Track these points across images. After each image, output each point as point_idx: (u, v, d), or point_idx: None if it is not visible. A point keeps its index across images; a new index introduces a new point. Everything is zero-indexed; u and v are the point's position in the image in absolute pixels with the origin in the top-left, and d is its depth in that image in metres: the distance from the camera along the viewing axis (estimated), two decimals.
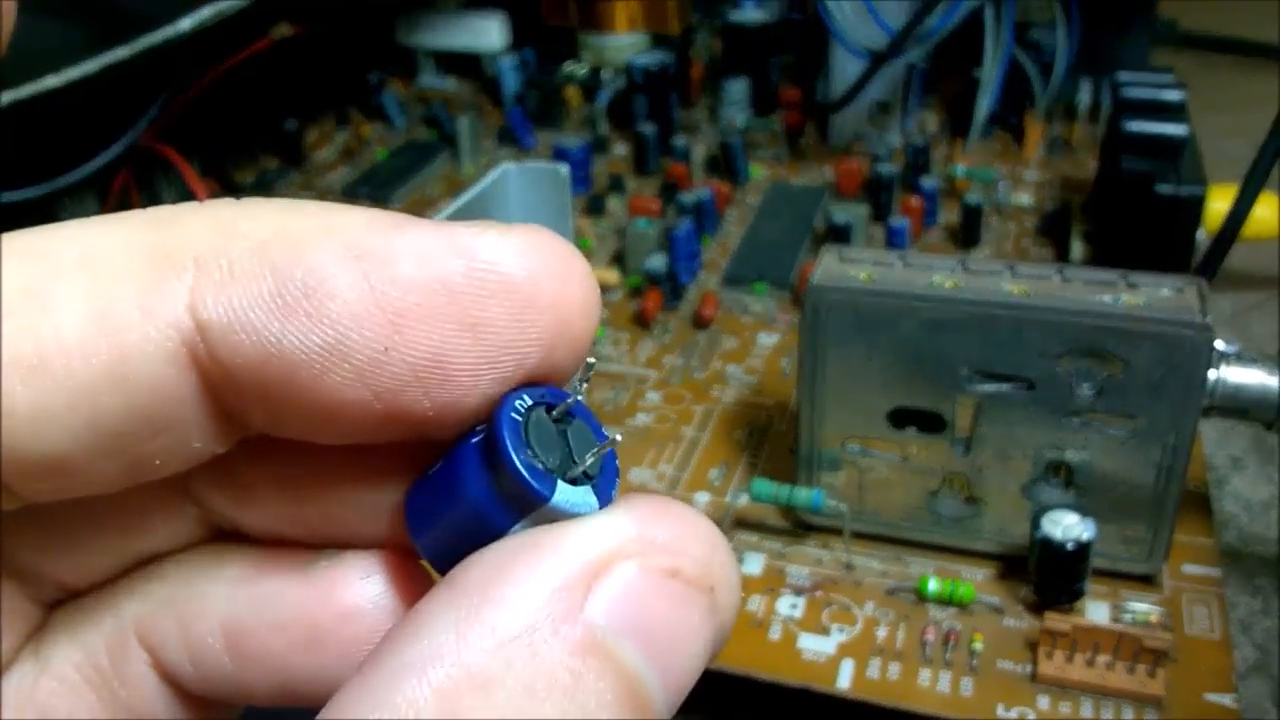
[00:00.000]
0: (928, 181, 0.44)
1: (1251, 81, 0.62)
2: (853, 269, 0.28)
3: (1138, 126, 0.36)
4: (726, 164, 0.49)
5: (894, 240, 0.41)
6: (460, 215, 0.29)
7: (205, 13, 0.35)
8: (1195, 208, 0.35)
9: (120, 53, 0.33)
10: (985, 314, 0.26)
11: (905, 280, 0.27)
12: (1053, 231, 0.43)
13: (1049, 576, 0.27)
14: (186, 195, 0.39)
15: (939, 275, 0.27)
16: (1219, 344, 0.27)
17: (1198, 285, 0.26)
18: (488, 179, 0.30)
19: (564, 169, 0.30)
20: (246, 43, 0.42)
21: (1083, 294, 0.26)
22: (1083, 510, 0.27)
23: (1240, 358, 0.27)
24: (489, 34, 0.57)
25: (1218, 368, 0.27)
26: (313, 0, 0.42)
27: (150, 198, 0.42)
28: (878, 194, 0.44)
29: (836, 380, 0.28)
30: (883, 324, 0.27)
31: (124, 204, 0.41)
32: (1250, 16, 0.66)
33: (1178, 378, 0.25)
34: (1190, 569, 0.29)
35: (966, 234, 0.43)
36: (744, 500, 0.30)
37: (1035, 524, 0.27)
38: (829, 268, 0.28)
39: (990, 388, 0.27)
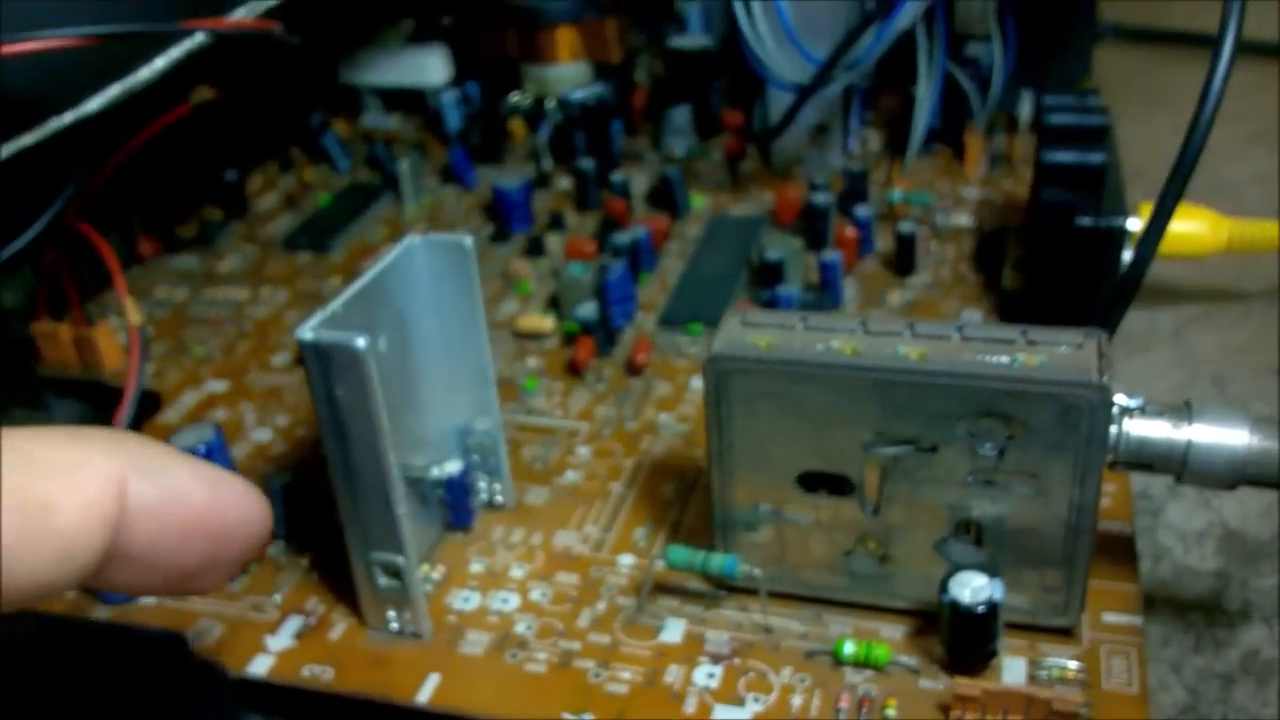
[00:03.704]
0: (862, 210, 0.44)
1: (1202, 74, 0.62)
2: (753, 334, 0.27)
3: (1056, 156, 0.35)
4: (666, 197, 0.49)
5: (827, 274, 0.41)
6: (366, 291, 0.28)
7: (113, 91, 0.35)
8: (1117, 238, 0.35)
9: (26, 140, 0.33)
10: (882, 380, 0.26)
11: (805, 345, 0.27)
12: (988, 256, 0.43)
13: (960, 640, 0.27)
14: (107, 271, 0.39)
15: (838, 339, 0.27)
16: (1121, 398, 0.27)
17: (1098, 340, 0.26)
18: (393, 253, 0.30)
19: (468, 241, 0.30)
20: (169, 106, 0.42)
21: (980, 354, 0.26)
22: (995, 567, 0.27)
23: (1144, 411, 0.27)
24: (430, 69, 0.57)
25: (1120, 423, 0.26)
26: (233, 60, 0.41)
27: (78, 273, 0.42)
28: (813, 224, 0.44)
29: (744, 446, 0.28)
30: (784, 391, 0.27)
31: (55, 278, 0.41)
32: (1207, 7, 0.65)
33: (1077, 437, 0.25)
34: (1111, 618, 0.28)
35: (901, 263, 0.43)
36: (663, 564, 0.30)
37: (943, 587, 0.26)
38: (731, 334, 0.28)
39: (893, 451, 0.27)
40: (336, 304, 0.27)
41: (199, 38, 0.36)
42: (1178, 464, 0.26)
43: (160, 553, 0.19)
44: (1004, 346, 0.26)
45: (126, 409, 0.34)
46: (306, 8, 0.41)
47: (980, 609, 0.26)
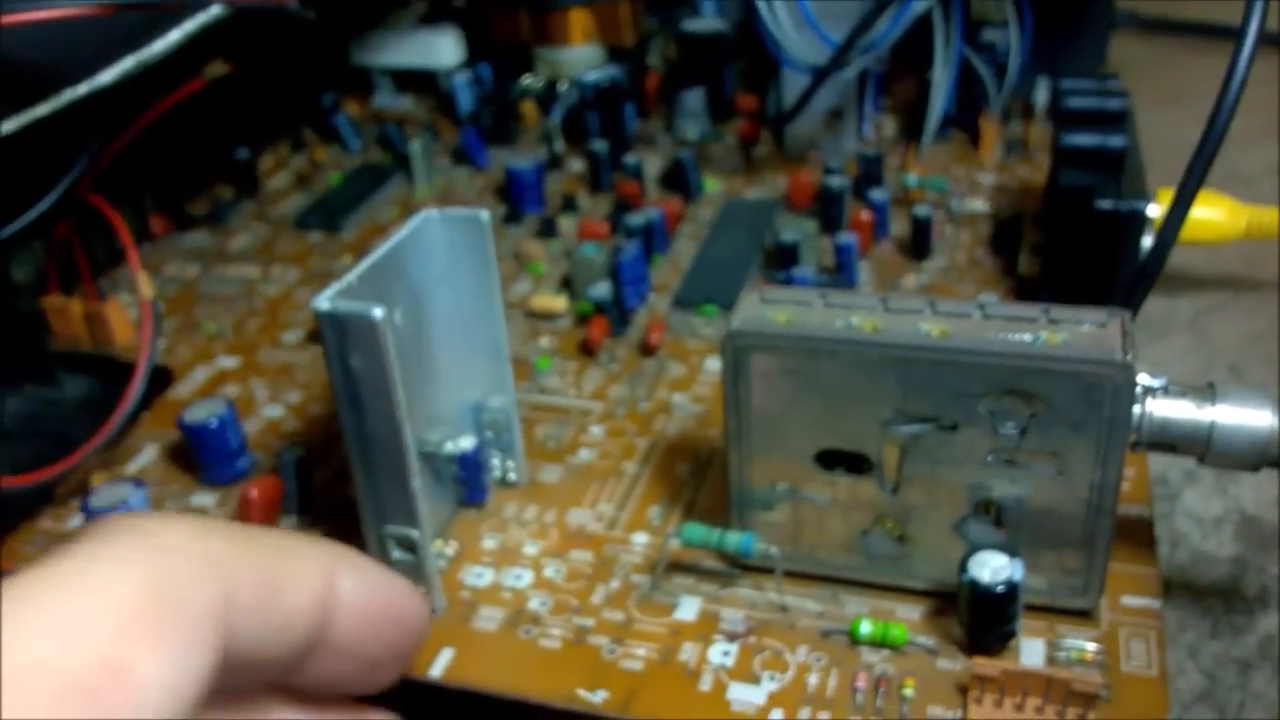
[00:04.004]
0: (877, 194, 0.44)
1: (1222, 65, 0.61)
2: (772, 310, 0.27)
3: (1075, 139, 0.35)
4: (679, 179, 0.48)
5: (842, 257, 0.41)
6: (380, 266, 0.28)
7: (128, 63, 0.35)
8: (1137, 223, 0.34)
9: (40, 110, 0.33)
10: (903, 357, 0.26)
11: (824, 322, 0.27)
12: (1004, 241, 0.43)
13: (979, 620, 0.26)
14: (118, 246, 0.39)
15: (858, 316, 0.27)
16: (1145, 378, 0.26)
17: (1121, 319, 0.26)
18: (407, 228, 0.29)
19: (485, 215, 0.30)
20: (183, 79, 0.42)
21: (1002, 332, 0.26)
22: (1015, 548, 0.27)
23: (1168, 391, 0.26)
24: (442, 51, 0.57)
25: (1143, 403, 0.26)
26: (246, 35, 0.41)
27: (90, 247, 0.42)
28: (828, 207, 0.44)
29: (761, 423, 0.28)
30: (803, 368, 0.27)
31: (66, 252, 0.41)
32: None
33: (1100, 416, 0.25)
34: (1130, 601, 0.28)
35: (917, 247, 0.42)
36: (678, 543, 0.30)
37: (962, 567, 0.26)
38: (749, 310, 0.27)
39: (913, 429, 0.27)
40: (352, 276, 0.27)
41: (214, 10, 0.36)
42: (1201, 445, 0.26)
43: (357, 641, 0.22)
44: (1026, 324, 0.26)
45: (138, 383, 0.33)
46: None
47: (1000, 589, 0.26)
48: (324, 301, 0.26)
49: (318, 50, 0.57)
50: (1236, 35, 0.30)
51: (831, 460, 0.28)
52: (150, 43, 0.36)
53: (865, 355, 0.26)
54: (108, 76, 0.34)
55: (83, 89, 0.34)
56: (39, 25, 0.30)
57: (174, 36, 0.36)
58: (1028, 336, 0.25)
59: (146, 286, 0.36)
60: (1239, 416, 0.26)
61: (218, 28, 0.37)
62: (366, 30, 0.58)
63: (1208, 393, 0.26)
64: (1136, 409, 0.26)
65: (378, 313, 0.25)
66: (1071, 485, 0.26)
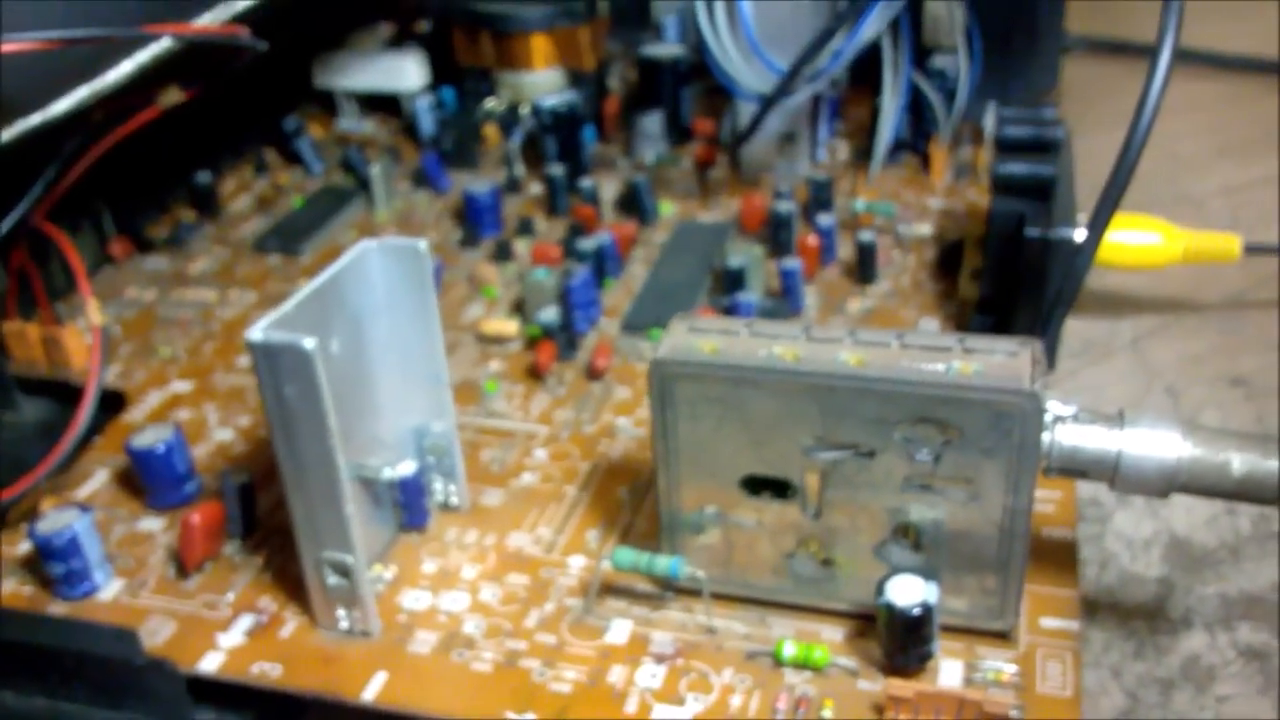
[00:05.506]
0: (824, 219, 0.45)
1: (1179, 84, 0.62)
2: (699, 340, 0.28)
3: (1008, 168, 0.36)
4: (634, 203, 0.49)
5: (787, 282, 0.41)
6: (320, 294, 0.29)
7: (82, 93, 0.36)
8: (1065, 249, 0.35)
9: None
10: (821, 385, 0.26)
11: (748, 351, 0.27)
12: (948, 265, 0.44)
13: (896, 642, 0.27)
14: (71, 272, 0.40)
15: (780, 345, 0.27)
16: (1055, 406, 0.27)
17: (1032, 349, 0.26)
18: (346, 258, 0.30)
19: (423, 245, 0.30)
20: (143, 103, 0.42)
21: (918, 362, 0.26)
22: (932, 571, 0.27)
23: (1078, 418, 0.27)
24: (405, 74, 0.58)
25: (1052, 430, 0.27)
26: (206, 60, 0.42)
27: (47, 272, 0.42)
28: (777, 232, 0.45)
29: (689, 450, 0.28)
30: (727, 396, 0.27)
31: (23, 279, 0.42)
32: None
33: (1010, 443, 0.26)
34: (1048, 623, 0.29)
35: (863, 271, 0.43)
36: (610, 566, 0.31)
37: (879, 590, 0.27)
38: (676, 340, 0.28)
39: (833, 455, 0.27)
40: (288, 306, 0.28)
41: (165, 42, 0.37)
42: (1110, 471, 0.27)
43: None
44: (941, 354, 0.26)
45: (86, 410, 0.34)
46: (282, 12, 0.42)
47: (915, 611, 0.27)
48: (257, 332, 0.26)
49: (281, 73, 0.57)
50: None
51: (757, 485, 0.29)
52: (103, 73, 0.36)
53: (786, 384, 0.27)
54: (62, 106, 0.35)
55: (36, 119, 0.35)
56: None
57: (126, 67, 0.36)
58: (940, 366, 0.26)
59: (96, 314, 0.36)
60: (1146, 444, 0.27)
61: (172, 57, 0.38)
62: (331, 53, 0.59)
63: (1116, 420, 0.27)
64: (1046, 436, 0.27)
65: (309, 343, 0.26)
66: (985, 510, 0.27)
